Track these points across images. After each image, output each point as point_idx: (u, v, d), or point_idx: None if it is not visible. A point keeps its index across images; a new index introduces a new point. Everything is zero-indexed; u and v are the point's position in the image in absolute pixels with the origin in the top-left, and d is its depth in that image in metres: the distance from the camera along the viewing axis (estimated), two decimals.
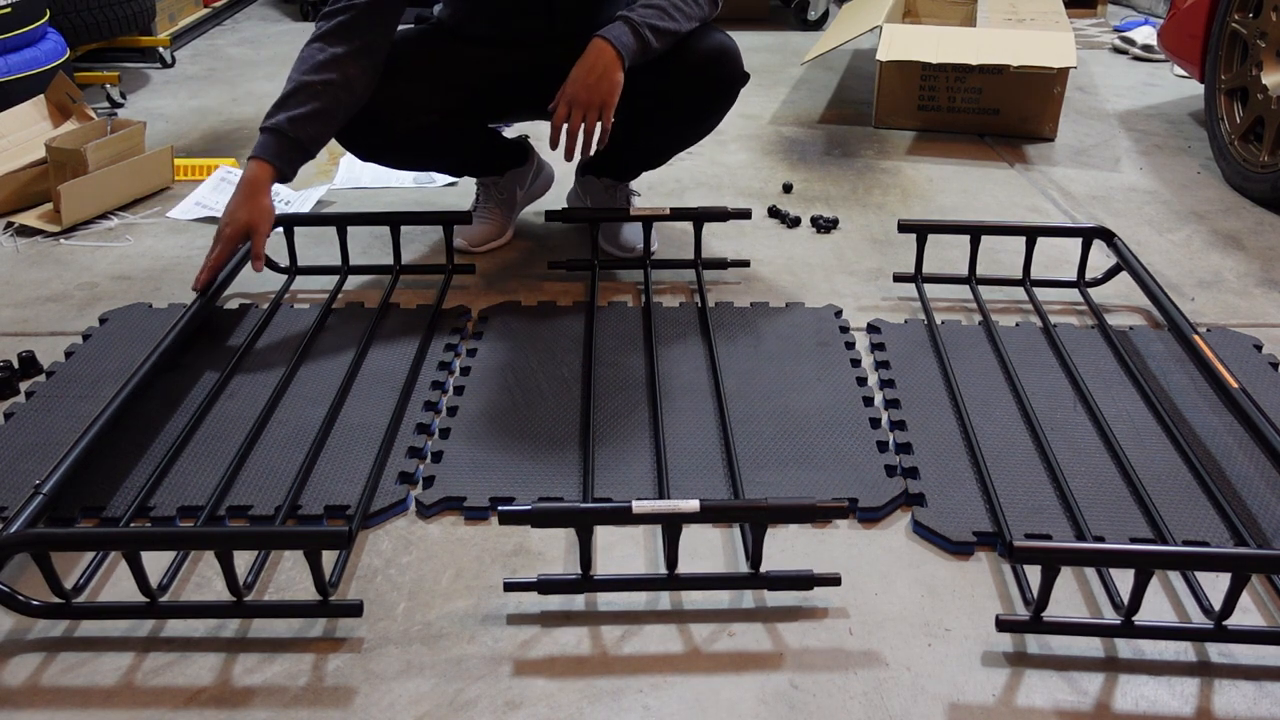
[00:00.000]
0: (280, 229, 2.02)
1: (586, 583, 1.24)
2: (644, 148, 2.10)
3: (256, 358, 1.75)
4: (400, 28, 1.88)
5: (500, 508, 1.20)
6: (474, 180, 2.24)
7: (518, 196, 2.24)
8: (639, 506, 1.18)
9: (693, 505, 1.19)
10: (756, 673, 1.16)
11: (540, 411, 1.61)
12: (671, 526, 1.21)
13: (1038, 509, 1.39)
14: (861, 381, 1.69)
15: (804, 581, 1.24)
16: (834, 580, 1.25)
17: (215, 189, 2.48)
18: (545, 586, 1.24)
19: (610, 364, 1.74)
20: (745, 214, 2.05)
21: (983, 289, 2.00)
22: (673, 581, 1.24)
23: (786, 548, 1.35)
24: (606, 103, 1.71)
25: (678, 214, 2.05)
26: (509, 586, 1.23)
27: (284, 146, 1.69)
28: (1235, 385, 1.47)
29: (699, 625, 1.22)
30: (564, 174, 2.58)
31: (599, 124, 1.73)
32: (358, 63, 1.74)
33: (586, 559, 1.23)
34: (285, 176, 1.71)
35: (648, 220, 2.05)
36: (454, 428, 1.56)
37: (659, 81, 1.88)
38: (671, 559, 1.23)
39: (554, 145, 1.75)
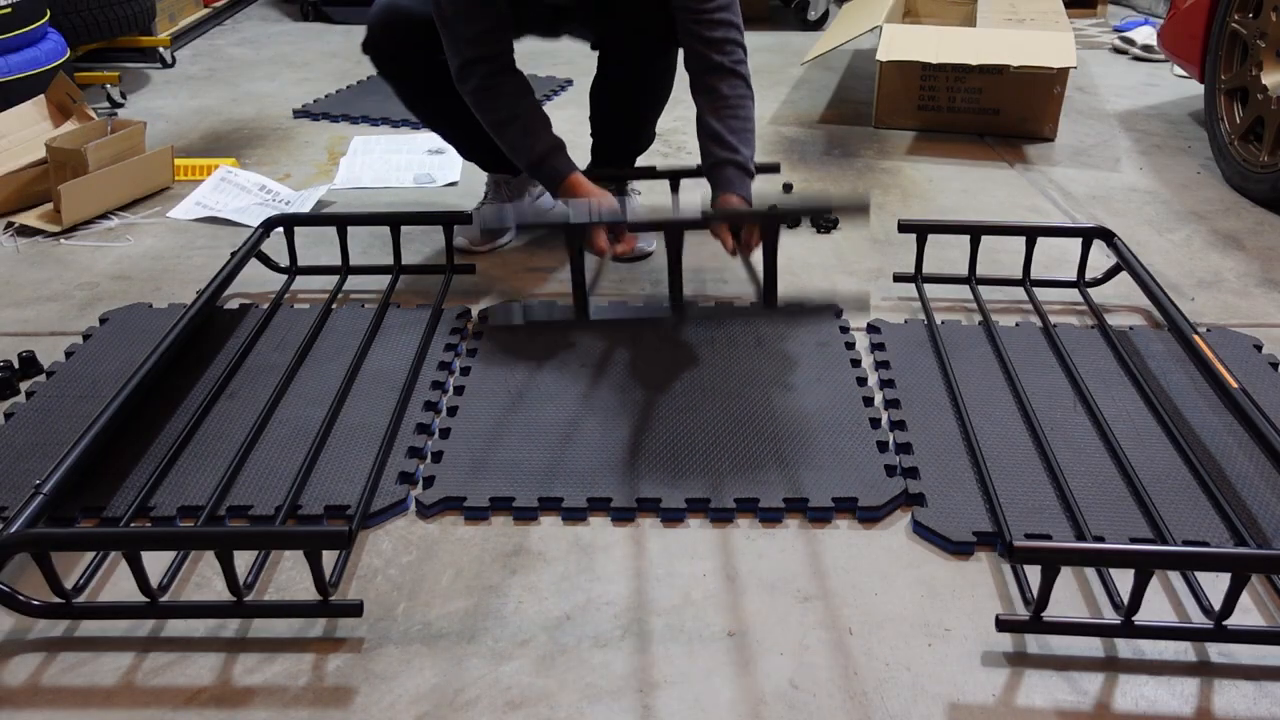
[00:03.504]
0: (280, 229, 2.02)
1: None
2: (614, 129, 2.16)
3: (256, 358, 1.75)
4: None
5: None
6: (481, 180, 2.25)
7: (522, 201, 2.25)
8: (635, 212, 1.19)
9: (694, 213, 1.18)
10: (756, 673, 1.16)
11: (540, 411, 1.61)
12: (673, 234, 1.18)
13: (1038, 509, 1.39)
14: (861, 381, 1.69)
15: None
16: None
17: (215, 189, 2.48)
18: None
19: (610, 364, 1.74)
20: (773, 168, 2.03)
21: (983, 289, 2.00)
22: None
23: (786, 548, 1.35)
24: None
25: (668, 174, 2.05)
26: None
27: (563, 154, 1.85)
28: (1235, 385, 1.47)
29: (699, 625, 1.22)
30: None
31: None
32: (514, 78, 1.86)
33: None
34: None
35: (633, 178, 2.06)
36: (454, 428, 1.56)
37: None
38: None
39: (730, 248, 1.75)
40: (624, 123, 2.17)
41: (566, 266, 2.12)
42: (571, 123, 3.00)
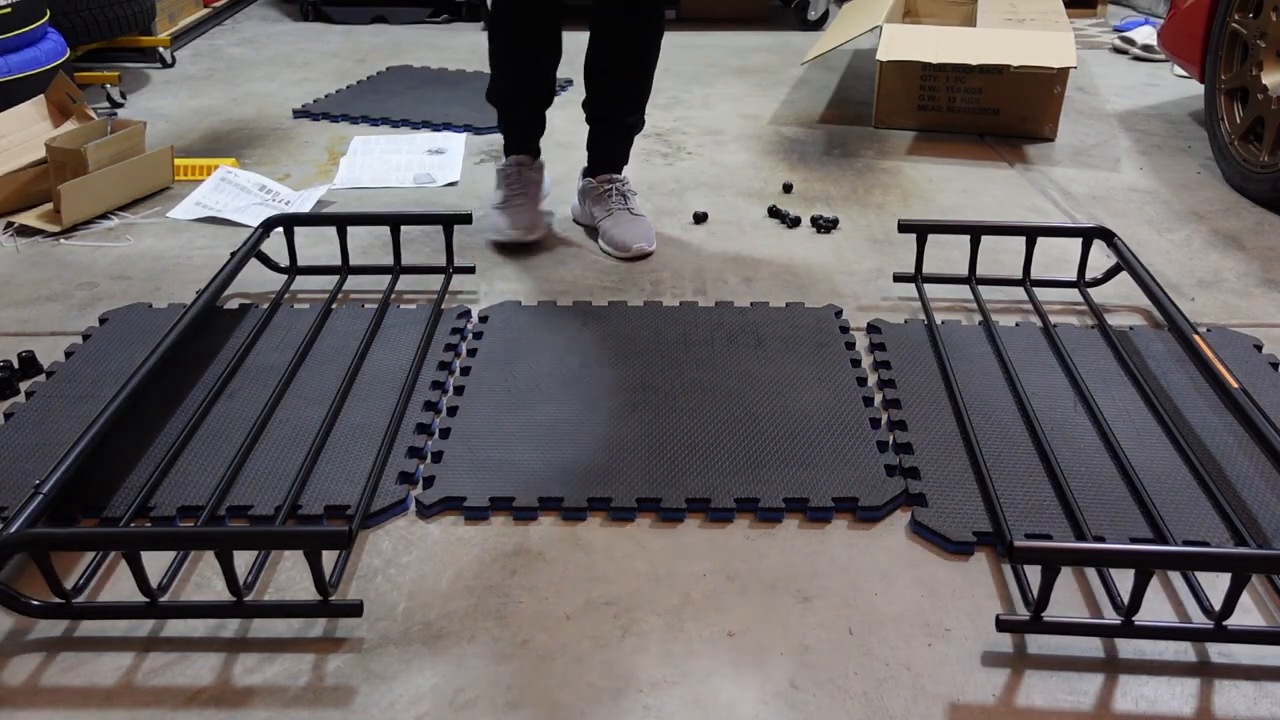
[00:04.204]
0: (280, 229, 2.02)
1: None
2: (605, 91, 2.18)
3: (256, 358, 1.75)
4: None
5: None
6: (481, 181, 2.25)
7: (541, 191, 2.29)
8: None
9: None
10: (756, 673, 1.16)
11: (540, 411, 1.61)
12: None
13: (1038, 509, 1.39)
14: (861, 381, 1.69)
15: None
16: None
17: (215, 189, 2.48)
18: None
19: (610, 364, 1.74)
20: None
21: (983, 289, 2.00)
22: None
23: (786, 548, 1.35)
24: None
25: None
26: None
27: None
28: (1235, 385, 1.47)
29: (699, 625, 1.22)
30: (562, 189, 2.58)
31: None
32: None
33: None
34: None
35: None
36: (454, 428, 1.56)
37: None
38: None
39: None
40: (618, 79, 2.19)
41: (567, 267, 2.13)
42: (571, 123, 3.00)
